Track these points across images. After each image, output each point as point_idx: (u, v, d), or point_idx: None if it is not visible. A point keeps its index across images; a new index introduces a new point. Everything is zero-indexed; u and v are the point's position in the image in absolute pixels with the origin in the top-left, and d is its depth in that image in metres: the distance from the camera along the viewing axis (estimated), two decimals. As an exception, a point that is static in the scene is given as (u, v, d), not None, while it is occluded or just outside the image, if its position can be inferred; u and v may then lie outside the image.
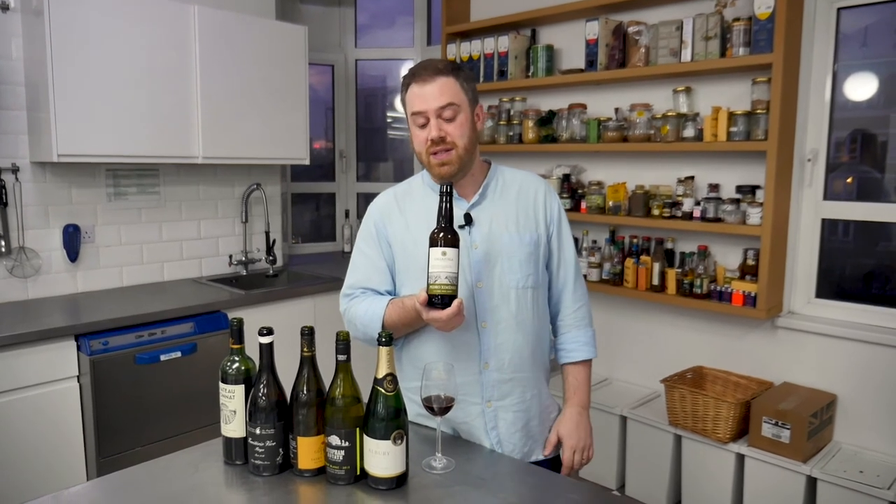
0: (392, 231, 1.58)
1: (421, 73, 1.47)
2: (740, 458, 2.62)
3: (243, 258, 3.58)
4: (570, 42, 3.30)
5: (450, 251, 1.32)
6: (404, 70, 4.26)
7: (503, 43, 3.39)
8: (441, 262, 1.32)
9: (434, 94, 1.45)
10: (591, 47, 3.05)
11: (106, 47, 2.71)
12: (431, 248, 1.33)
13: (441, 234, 1.33)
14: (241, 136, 3.20)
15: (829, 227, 2.72)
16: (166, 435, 2.69)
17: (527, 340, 1.54)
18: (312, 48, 3.68)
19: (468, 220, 1.52)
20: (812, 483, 2.44)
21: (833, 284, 2.74)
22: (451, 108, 1.45)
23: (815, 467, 2.42)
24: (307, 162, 3.54)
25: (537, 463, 1.56)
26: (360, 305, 1.55)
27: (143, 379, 2.61)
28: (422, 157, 1.51)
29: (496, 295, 1.51)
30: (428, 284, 1.32)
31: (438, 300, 1.32)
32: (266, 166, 3.68)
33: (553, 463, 1.61)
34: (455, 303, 1.33)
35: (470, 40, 3.55)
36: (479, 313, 1.50)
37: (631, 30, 2.94)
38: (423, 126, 1.48)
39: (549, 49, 3.30)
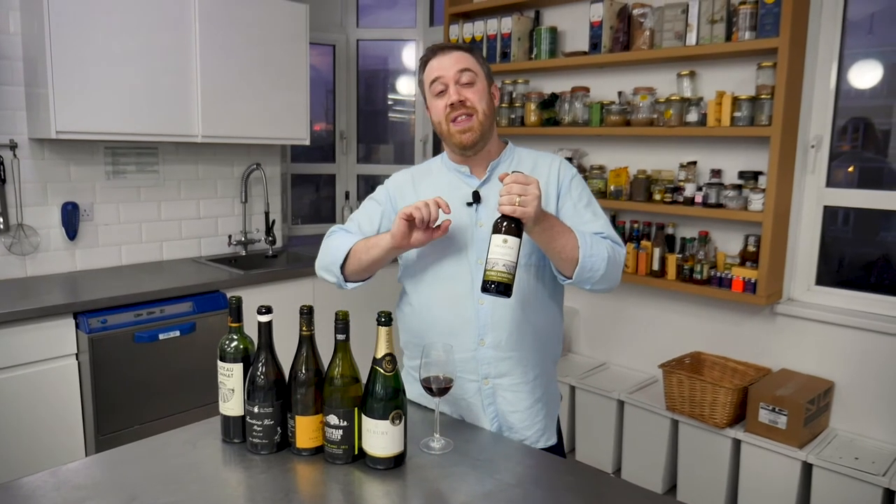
0: (403, 205, 1.57)
1: (439, 48, 1.53)
2: (737, 444, 2.63)
3: (242, 238, 3.57)
4: (574, 24, 3.27)
5: (511, 239, 1.27)
6: (406, 51, 4.26)
7: (506, 24, 3.35)
8: (501, 248, 1.28)
9: (452, 61, 1.49)
10: (595, 30, 3.02)
11: (105, 23, 2.68)
12: (493, 235, 1.29)
13: (505, 222, 1.29)
14: (240, 116, 3.18)
15: (830, 215, 2.71)
16: (165, 413, 2.70)
17: (527, 318, 1.52)
18: (313, 27, 3.64)
19: (476, 197, 1.53)
20: (808, 469, 2.45)
21: (833, 272, 2.74)
22: (469, 73, 1.49)
23: (810, 453, 2.43)
24: (307, 142, 3.52)
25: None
26: (337, 236, 1.59)
27: (141, 357, 2.61)
28: (441, 127, 1.52)
29: None
30: (485, 270, 1.29)
31: (493, 286, 1.28)
32: (266, 146, 3.65)
33: (559, 452, 1.61)
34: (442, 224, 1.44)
35: (473, 21, 3.51)
36: (476, 291, 1.49)
37: (636, 12, 2.90)
38: (442, 94, 1.50)
39: (553, 31, 3.27)
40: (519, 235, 1.29)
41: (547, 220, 1.35)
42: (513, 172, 1.31)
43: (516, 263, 1.29)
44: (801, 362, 2.72)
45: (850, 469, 2.33)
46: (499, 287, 1.28)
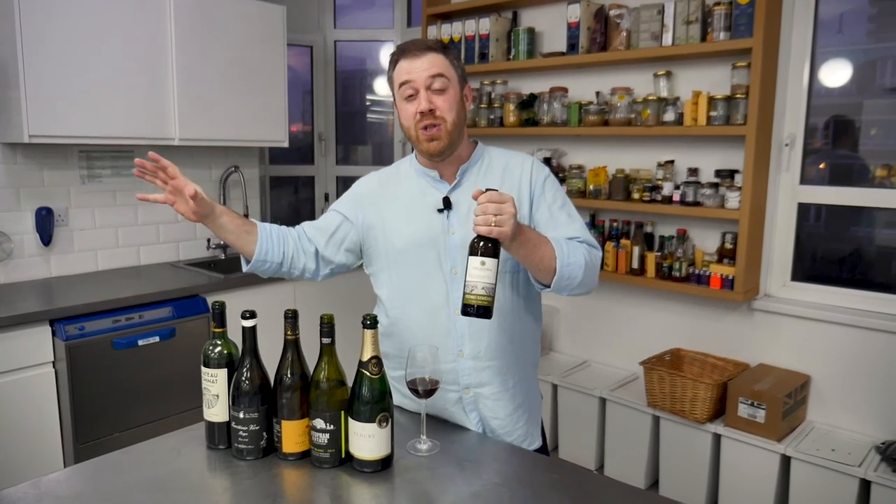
0: (374, 215, 1.56)
1: (410, 48, 1.45)
2: (717, 438, 2.67)
3: (221, 242, 3.54)
4: (552, 25, 3.29)
5: (489, 261, 1.24)
6: (384, 52, 4.26)
7: (484, 25, 3.36)
8: (479, 271, 1.24)
9: (424, 66, 1.43)
10: (573, 30, 3.04)
11: (79, 24, 2.64)
12: (470, 257, 1.25)
13: (481, 243, 1.24)
14: (218, 118, 3.15)
15: (803, 212, 2.76)
16: (145, 420, 2.66)
17: (504, 327, 1.50)
18: (291, 29, 3.62)
19: (447, 204, 1.49)
20: (786, 461, 2.50)
21: (807, 268, 2.79)
22: (441, 79, 1.43)
23: (789, 446, 2.47)
24: (286, 144, 3.49)
25: None
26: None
27: (120, 364, 2.57)
28: (410, 132, 1.47)
29: None
30: (464, 293, 1.26)
31: (473, 310, 1.25)
32: (244, 149, 3.63)
33: (543, 453, 1.62)
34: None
35: (451, 22, 3.52)
36: (452, 301, 1.47)
37: (612, 13, 2.93)
38: (412, 99, 1.44)
39: (531, 32, 3.29)
40: (496, 256, 1.25)
41: (523, 234, 1.31)
42: (486, 190, 1.27)
43: (495, 284, 1.26)
44: (779, 357, 2.77)
45: (827, 461, 2.37)
46: (479, 310, 1.25)
